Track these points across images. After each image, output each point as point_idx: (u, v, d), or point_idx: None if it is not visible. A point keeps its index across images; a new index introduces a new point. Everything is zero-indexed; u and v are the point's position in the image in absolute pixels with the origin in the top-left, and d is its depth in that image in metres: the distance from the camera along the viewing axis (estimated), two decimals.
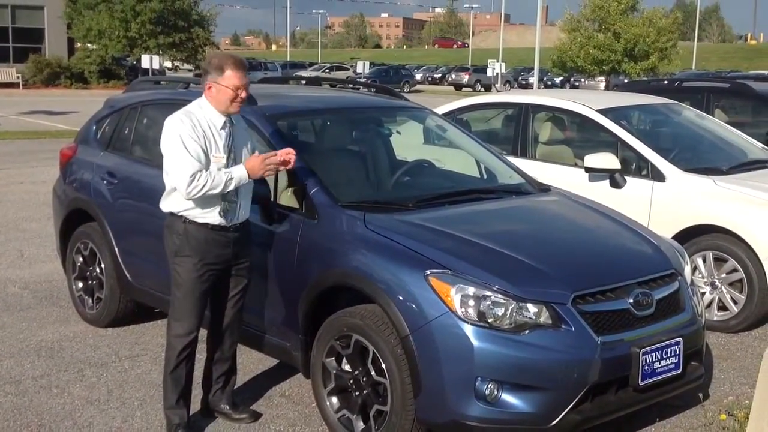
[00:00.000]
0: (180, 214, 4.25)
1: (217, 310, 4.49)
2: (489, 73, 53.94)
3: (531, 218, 4.99)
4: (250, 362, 5.33)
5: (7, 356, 5.49)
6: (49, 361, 5.42)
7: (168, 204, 4.31)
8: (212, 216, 4.22)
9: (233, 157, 4.24)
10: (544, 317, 3.88)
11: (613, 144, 6.90)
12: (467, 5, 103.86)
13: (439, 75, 64.59)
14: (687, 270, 4.71)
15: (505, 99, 8.83)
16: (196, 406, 4.60)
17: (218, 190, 4.12)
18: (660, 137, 7.60)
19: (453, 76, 58.66)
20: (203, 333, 4.53)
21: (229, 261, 4.34)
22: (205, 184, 4.08)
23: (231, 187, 4.15)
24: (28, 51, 39.70)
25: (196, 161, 4.08)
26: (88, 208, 6.00)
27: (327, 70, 55.38)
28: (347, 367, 4.27)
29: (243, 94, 4.21)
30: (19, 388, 4.97)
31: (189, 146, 4.09)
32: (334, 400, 4.33)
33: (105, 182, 5.87)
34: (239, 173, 4.16)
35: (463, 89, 53.23)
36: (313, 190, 4.56)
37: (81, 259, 6.11)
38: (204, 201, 4.18)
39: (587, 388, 3.89)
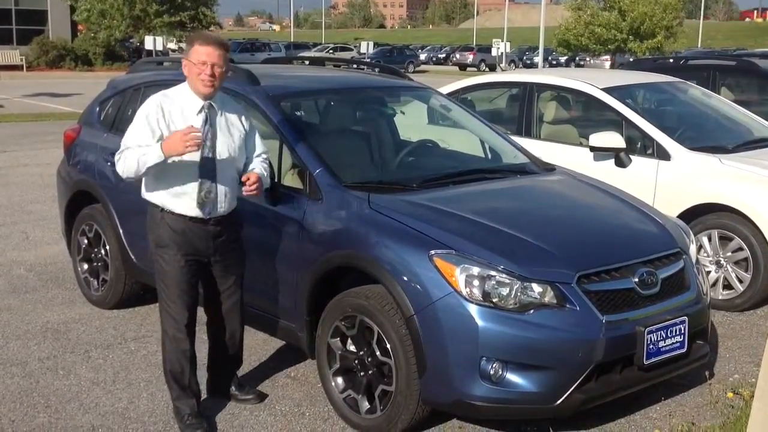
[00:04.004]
0: (156, 203, 4.14)
1: (210, 303, 4.41)
2: (494, 52, 53.68)
3: (535, 198, 4.97)
4: (256, 343, 5.34)
5: (14, 338, 5.51)
6: (55, 342, 5.44)
7: (144, 192, 4.20)
8: (188, 207, 4.06)
9: (210, 145, 4.01)
10: (549, 297, 3.88)
11: (618, 123, 6.86)
12: None
13: (444, 55, 64.35)
14: (692, 249, 4.70)
15: (510, 78, 8.80)
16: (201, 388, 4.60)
17: (133, 170, 3.93)
18: (665, 116, 7.56)
19: (457, 55, 58.48)
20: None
21: (210, 255, 4.19)
22: (121, 162, 3.97)
23: (148, 164, 3.88)
24: (31, 33, 39.66)
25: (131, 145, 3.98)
26: (93, 190, 5.99)
27: (331, 51, 55.15)
28: (352, 348, 4.27)
29: (209, 72, 3.95)
30: (25, 370, 4.99)
31: (133, 131, 4.01)
32: (340, 380, 4.34)
33: (109, 164, 5.85)
34: (154, 152, 3.87)
35: (468, 69, 53.00)
36: (317, 171, 4.55)
37: (86, 241, 6.12)
38: (175, 190, 4.05)
39: (592, 367, 3.89)
